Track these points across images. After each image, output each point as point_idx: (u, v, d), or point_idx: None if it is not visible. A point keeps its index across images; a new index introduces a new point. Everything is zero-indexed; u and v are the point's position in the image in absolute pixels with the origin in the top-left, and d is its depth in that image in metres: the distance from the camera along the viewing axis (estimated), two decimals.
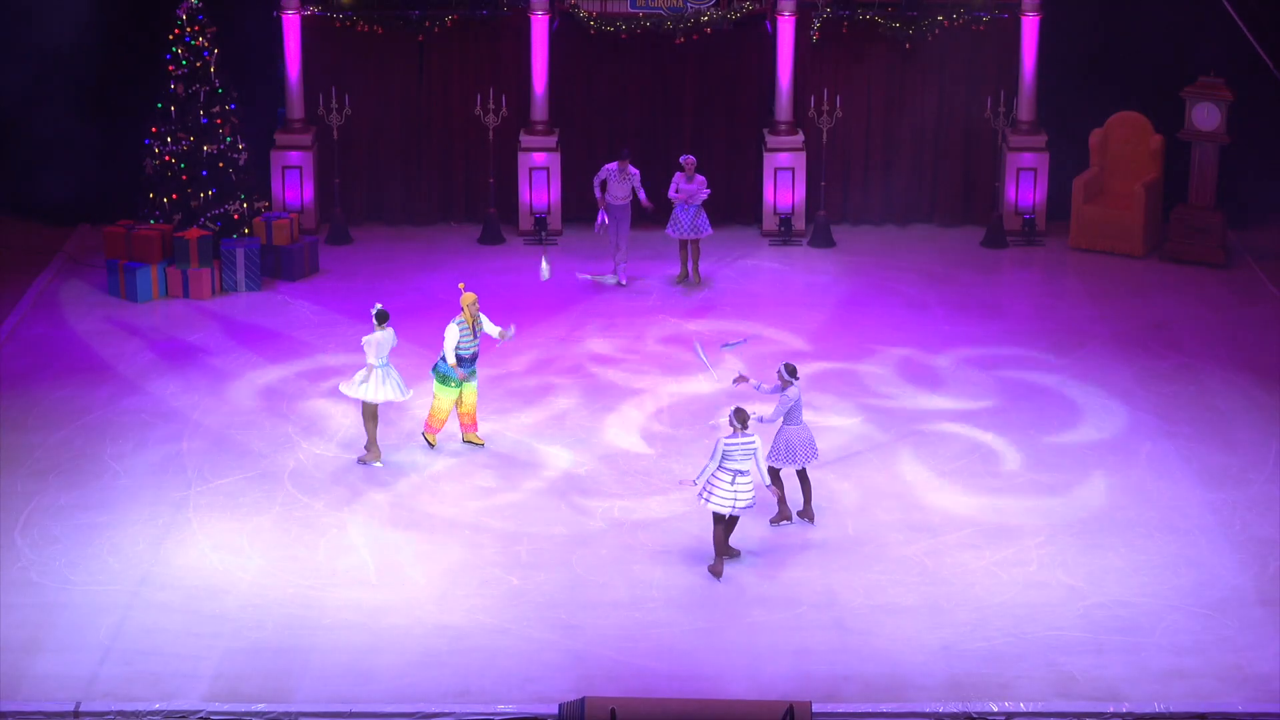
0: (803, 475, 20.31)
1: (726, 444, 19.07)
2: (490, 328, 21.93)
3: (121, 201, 27.47)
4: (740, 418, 19.10)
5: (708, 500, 19.25)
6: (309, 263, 27.33)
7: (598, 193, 26.81)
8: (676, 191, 26.67)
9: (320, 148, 28.77)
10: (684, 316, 25.87)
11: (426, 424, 22.07)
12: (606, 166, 26.81)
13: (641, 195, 26.68)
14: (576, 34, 28.76)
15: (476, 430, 22.15)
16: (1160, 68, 28.29)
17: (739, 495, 19.15)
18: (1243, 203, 28.53)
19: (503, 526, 20.35)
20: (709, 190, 26.68)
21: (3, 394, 23.19)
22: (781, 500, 20.13)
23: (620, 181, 26.62)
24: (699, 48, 28.81)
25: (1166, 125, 28.22)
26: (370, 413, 21.45)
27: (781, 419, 20.06)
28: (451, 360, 21.56)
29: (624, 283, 26.91)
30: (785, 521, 20.25)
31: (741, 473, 19.11)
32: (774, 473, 20.00)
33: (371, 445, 21.51)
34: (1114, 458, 21.90)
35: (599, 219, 26.82)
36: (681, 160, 26.80)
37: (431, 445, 22.02)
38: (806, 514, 20.33)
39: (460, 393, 21.86)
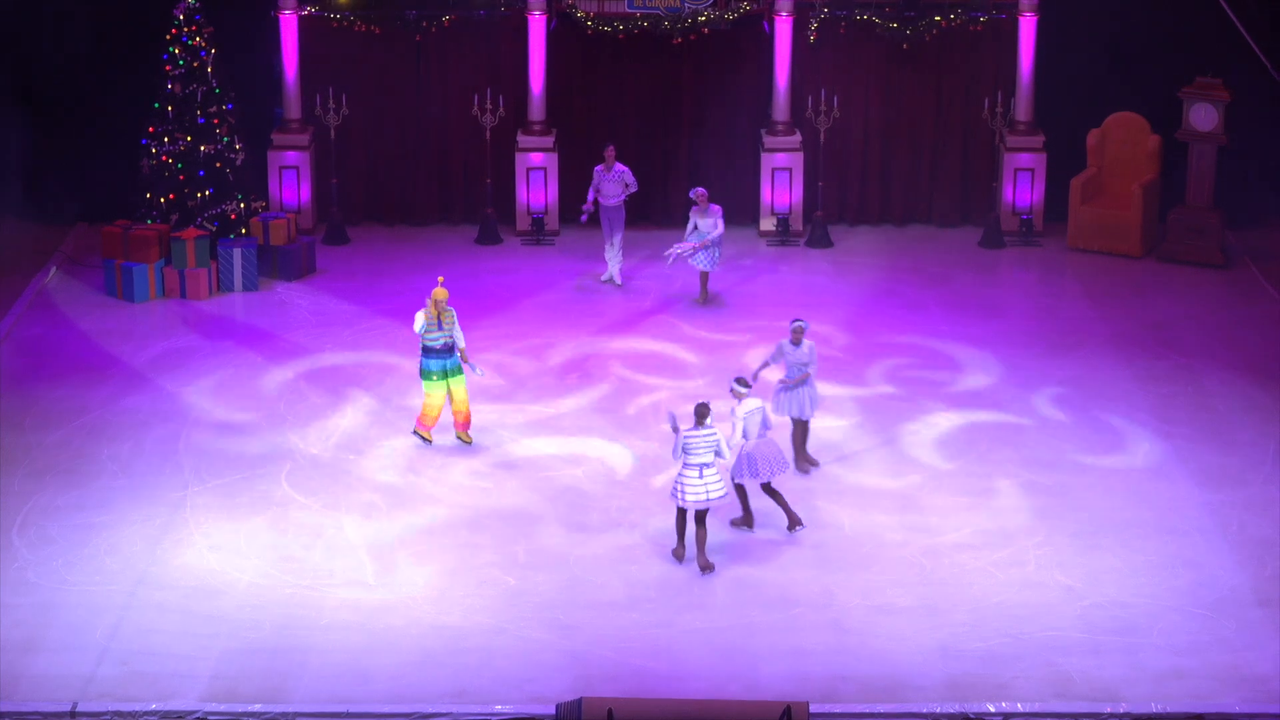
0: (768, 489, 20.26)
1: (686, 437, 19.36)
2: (459, 336, 21.97)
3: (119, 201, 27.44)
4: (700, 413, 19.41)
5: (682, 498, 19.47)
6: (306, 263, 27.31)
7: (591, 195, 26.81)
8: (694, 228, 25.74)
9: (317, 148, 28.76)
10: (681, 317, 25.85)
11: (419, 421, 22.11)
12: (596, 169, 26.83)
13: (632, 185, 26.69)
14: (574, 34, 28.76)
15: (468, 429, 22.15)
16: (1158, 68, 28.29)
17: (710, 487, 19.44)
18: (1240, 203, 28.53)
19: (500, 527, 20.35)
20: (722, 227, 25.83)
21: (0, 394, 23.17)
22: (745, 507, 20.34)
23: (609, 180, 26.61)
24: (696, 48, 28.80)
25: (1164, 126, 28.21)
26: None
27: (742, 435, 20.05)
28: (418, 329, 21.71)
29: (620, 283, 26.91)
30: (745, 528, 20.28)
31: (707, 465, 19.40)
32: (739, 488, 20.17)
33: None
34: (1111, 458, 21.90)
35: (584, 212, 26.82)
36: (692, 194, 25.91)
37: (428, 441, 22.04)
38: (794, 522, 20.23)
39: (449, 387, 21.91)
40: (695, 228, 25.84)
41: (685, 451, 19.38)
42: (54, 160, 28.25)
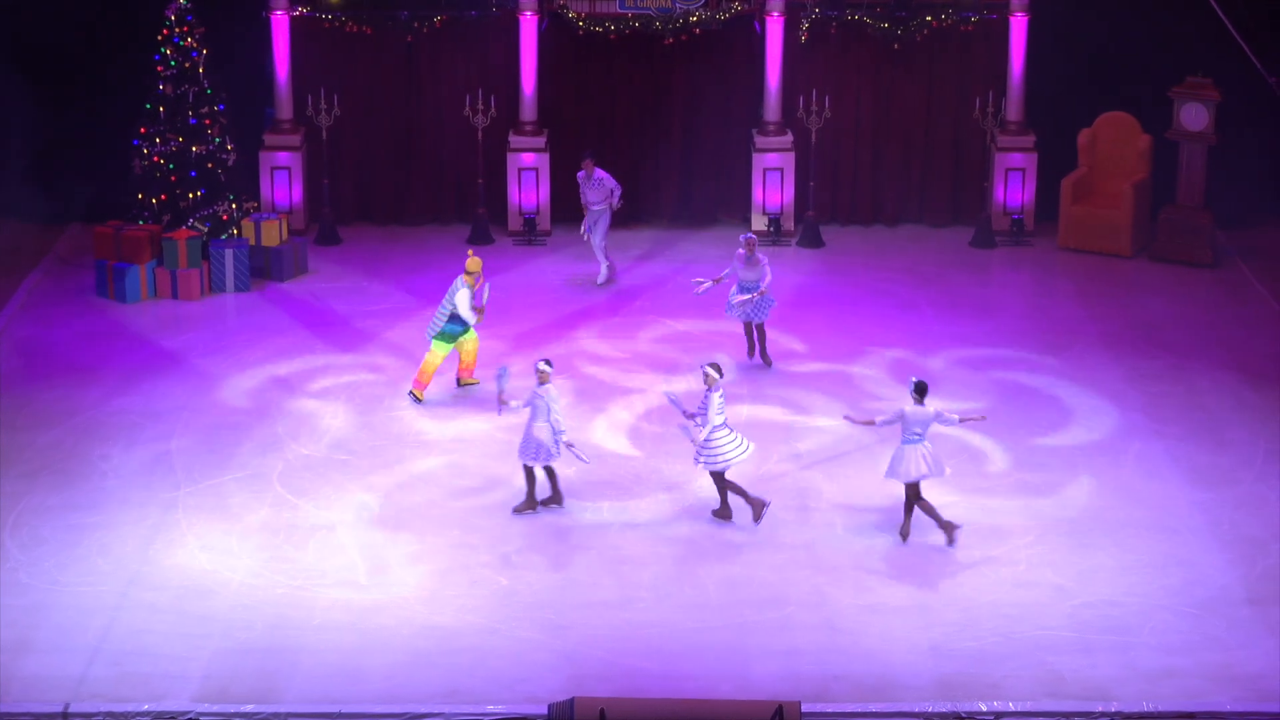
0: (548, 470, 20.46)
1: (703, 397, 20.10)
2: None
3: (110, 202, 27.43)
4: (713, 371, 20.08)
5: (721, 460, 20.04)
6: (298, 263, 27.31)
7: (583, 200, 26.84)
8: (739, 287, 23.76)
9: (309, 148, 28.75)
10: (671, 315, 25.86)
11: (416, 381, 22.81)
12: (578, 176, 26.76)
13: (616, 197, 26.59)
14: (565, 34, 28.77)
15: (473, 373, 23.10)
16: (1148, 68, 28.32)
17: (731, 448, 20.10)
18: (1231, 203, 28.56)
19: (492, 527, 20.35)
20: (770, 275, 23.72)
21: None
22: (530, 492, 20.54)
23: (591, 188, 26.54)
24: (688, 48, 28.81)
25: (1155, 125, 28.25)
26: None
27: (533, 415, 20.25)
28: (474, 319, 22.76)
29: (600, 284, 26.78)
30: (530, 511, 20.49)
31: (719, 427, 20.03)
32: (528, 470, 20.40)
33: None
34: (1103, 457, 21.92)
35: (584, 225, 26.81)
36: (742, 239, 23.81)
37: (420, 400, 22.75)
38: (554, 500, 20.53)
39: (460, 345, 22.90)
40: (737, 279, 23.80)
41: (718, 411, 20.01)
42: (46, 161, 28.22)
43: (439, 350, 22.85)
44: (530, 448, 20.31)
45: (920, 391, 19.77)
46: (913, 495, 19.90)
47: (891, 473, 19.96)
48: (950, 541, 19.78)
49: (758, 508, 20.18)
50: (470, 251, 23.44)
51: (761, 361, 24.16)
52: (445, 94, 28.97)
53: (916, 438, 19.74)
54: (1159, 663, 17.89)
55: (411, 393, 22.93)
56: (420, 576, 19.37)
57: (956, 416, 20.27)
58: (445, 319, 22.83)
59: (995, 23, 28.58)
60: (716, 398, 20.05)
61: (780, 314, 25.85)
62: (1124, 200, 28.15)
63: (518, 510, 20.47)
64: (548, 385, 20.25)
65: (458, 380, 23.29)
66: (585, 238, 26.89)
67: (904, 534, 19.97)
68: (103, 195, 27.81)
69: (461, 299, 22.71)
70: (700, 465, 20.20)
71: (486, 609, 18.78)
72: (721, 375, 20.16)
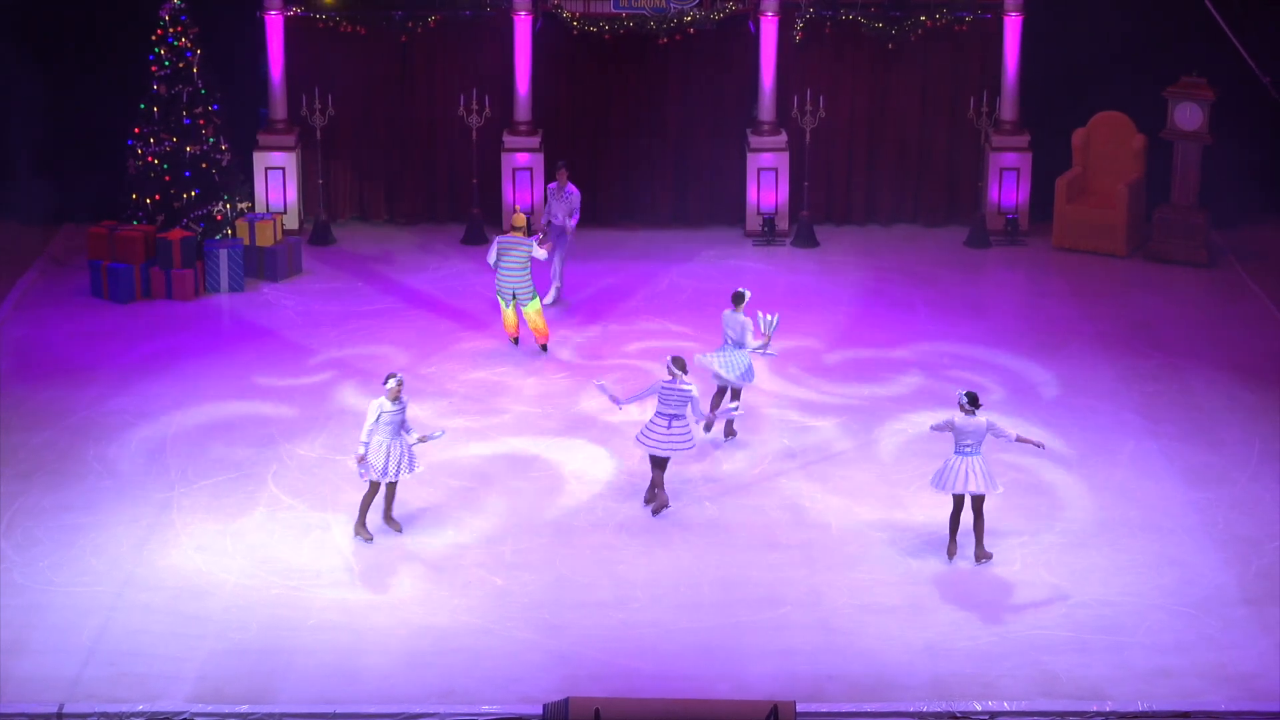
0: (372, 488, 20.00)
1: (663, 387, 20.22)
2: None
3: (104, 202, 27.41)
4: (678, 365, 20.19)
5: (643, 441, 20.34)
6: (292, 263, 27.29)
7: (545, 218, 26.44)
8: (732, 345, 22.13)
9: (303, 148, 28.74)
10: (665, 316, 25.85)
11: (538, 337, 24.31)
12: (549, 187, 26.56)
13: (573, 218, 26.12)
14: (560, 34, 28.76)
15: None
16: (1143, 67, 28.33)
17: (674, 439, 20.22)
18: (1225, 202, 28.57)
19: (487, 527, 20.36)
20: (758, 336, 22.14)
21: None
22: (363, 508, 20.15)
23: (559, 200, 26.25)
24: (682, 48, 28.79)
25: (1149, 125, 28.26)
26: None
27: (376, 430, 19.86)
28: (545, 254, 24.47)
29: (549, 304, 26.29)
30: (396, 530, 20.24)
31: (678, 417, 20.19)
32: (390, 487, 20.13)
33: None
34: (1097, 457, 21.93)
35: (535, 236, 25.59)
36: (733, 294, 22.41)
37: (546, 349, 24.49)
38: (390, 524, 20.20)
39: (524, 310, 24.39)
40: (725, 339, 22.28)
41: (661, 400, 20.23)
42: (40, 161, 28.20)
43: (537, 307, 24.20)
44: (379, 463, 19.82)
45: (972, 402, 19.47)
46: (960, 508, 19.63)
47: (938, 484, 19.60)
48: (979, 560, 19.60)
49: (658, 498, 20.64)
50: (516, 207, 26.35)
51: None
52: (439, 94, 28.96)
53: (969, 450, 19.49)
54: (1154, 662, 17.90)
55: (543, 346, 24.37)
56: (415, 577, 19.37)
57: (1013, 434, 19.76)
58: (529, 277, 24.02)
59: (989, 22, 28.57)
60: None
61: (773, 313, 25.90)
62: (1119, 200, 28.16)
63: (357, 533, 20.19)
64: (401, 399, 19.86)
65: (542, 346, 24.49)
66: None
67: (950, 553, 19.74)
68: (97, 195, 27.77)
69: (535, 250, 24.08)
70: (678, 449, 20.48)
71: (481, 609, 18.79)
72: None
